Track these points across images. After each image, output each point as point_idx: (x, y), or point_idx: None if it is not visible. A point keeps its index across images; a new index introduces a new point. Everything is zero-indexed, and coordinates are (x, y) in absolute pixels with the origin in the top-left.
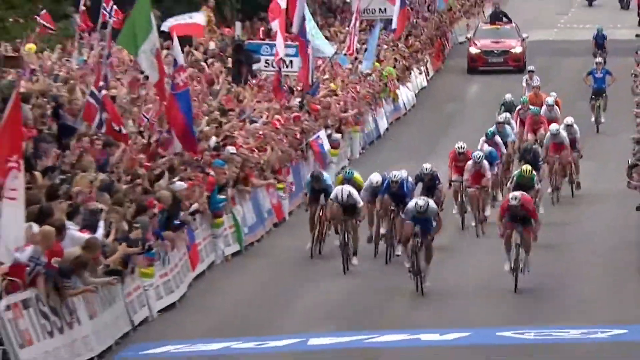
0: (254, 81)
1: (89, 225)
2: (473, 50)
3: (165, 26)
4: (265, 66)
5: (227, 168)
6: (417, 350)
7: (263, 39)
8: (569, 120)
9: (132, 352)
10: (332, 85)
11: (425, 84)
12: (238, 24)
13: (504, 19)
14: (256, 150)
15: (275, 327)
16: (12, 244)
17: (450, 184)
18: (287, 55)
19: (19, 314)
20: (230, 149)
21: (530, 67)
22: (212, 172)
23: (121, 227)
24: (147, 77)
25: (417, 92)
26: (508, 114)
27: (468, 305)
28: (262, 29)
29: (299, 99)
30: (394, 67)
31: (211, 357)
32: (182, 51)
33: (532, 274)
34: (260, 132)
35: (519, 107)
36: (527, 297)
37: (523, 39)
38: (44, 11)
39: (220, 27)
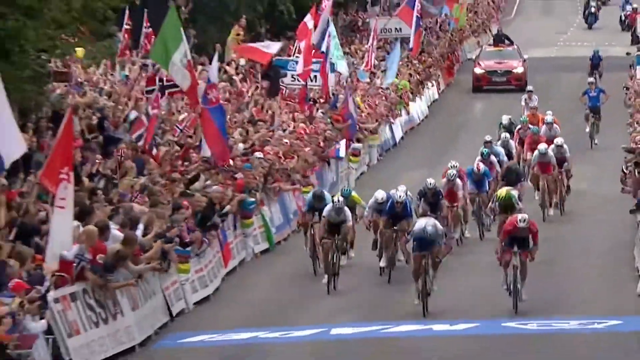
0: (280, 94)
1: (130, 225)
2: (478, 70)
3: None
4: (292, 80)
5: (254, 172)
6: (430, 339)
7: (293, 55)
8: (558, 140)
9: (170, 341)
10: (357, 99)
11: (437, 97)
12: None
13: (507, 41)
14: (282, 157)
15: (300, 318)
16: (59, 249)
17: None
18: (312, 70)
19: (67, 306)
20: (258, 154)
21: (529, 87)
22: (241, 176)
23: (159, 226)
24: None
25: (429, 104)
26: (507, 135)
27: (475, 299)
28: (291, 47)
29: (322, 111)
30: (409, 81)
31: (241, 345)
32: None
33: (533, 270)
34: (287, 141)
35: (519, 127)
36: (529, 291)
37: (524, 60)
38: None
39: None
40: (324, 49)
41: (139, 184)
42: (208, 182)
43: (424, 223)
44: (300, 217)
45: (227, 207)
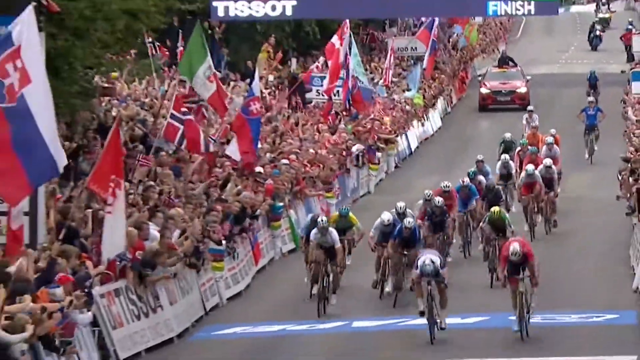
0: (305, 108)
1: (167, 226)
2: (484, 90)
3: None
4: (317, 95)
5: (282, 177)
6: (444, 331)
7: (320, 71)
8: (547, 161)
9: (205, 333)
10: (386, 119)
11: (449, 110)
12: (293, 60)
13: (511, 63)
14: (308, 165)
15: (324, 312)
16: (113, 251)
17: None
18: (336, 86)
19: (112, 301)
20: (284, 161)
21: (530, 107)
22: (270, 182)
23: (194, 227)
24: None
25: (442, 116)
26: (507, 156)
27: (485, 295)
28: (317, 64)
29: (344, 122)
30: (424, 96)
31: (270, 337)
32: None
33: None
34: (312, 150)
35: (519, 148)
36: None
37: (527, 80)
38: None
39: (278, 61)
40: (345, 66)
41: (175, 189)
42: (238, 188)
43: (422, 261)
44: (300, 242)
45: (259, 211)
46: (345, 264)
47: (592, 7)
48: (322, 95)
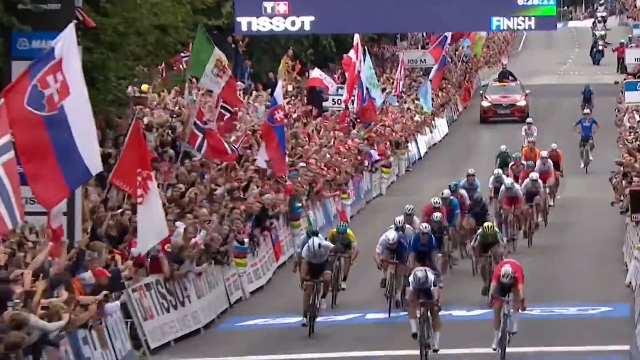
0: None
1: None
2: (485, 103)
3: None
4: (333, 104)
5: (300, 179)
6: (450, 323)
7: (337, 82)
8: (534, 175)
9: (229, 324)
10: (396, 127)
11: (455, 117)
12: (311, 71)
13: (510, 77)
14: (325, 169)
15: (340, 305)
16: (154, 239)
17: None
18: (352, 95)
19: (143, 295)
20: (302, 164)
21: (528, 120)
22: (289, 182)
23: (218, 226)
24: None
25: (449, 124)
26: (500, 170)
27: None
28: (336, 75)
29: (357, 128)
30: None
31: (290, 328)
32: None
33: (537, 263)
34: (328, 155)
35: (512, 163)
36: (533, 282)
37: (526, 94)
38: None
39: (297, 72)
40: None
41: (202, 191)
42: (258, 189)
43: (416, 275)
44: (296, 257)
45: (279, 208)
46: (348, 272)
47: (588, 22)
48: (338, 103)
